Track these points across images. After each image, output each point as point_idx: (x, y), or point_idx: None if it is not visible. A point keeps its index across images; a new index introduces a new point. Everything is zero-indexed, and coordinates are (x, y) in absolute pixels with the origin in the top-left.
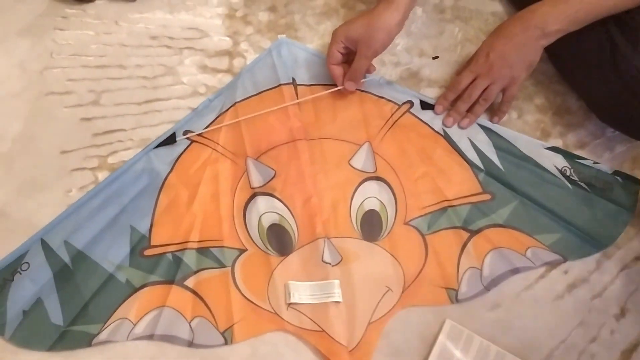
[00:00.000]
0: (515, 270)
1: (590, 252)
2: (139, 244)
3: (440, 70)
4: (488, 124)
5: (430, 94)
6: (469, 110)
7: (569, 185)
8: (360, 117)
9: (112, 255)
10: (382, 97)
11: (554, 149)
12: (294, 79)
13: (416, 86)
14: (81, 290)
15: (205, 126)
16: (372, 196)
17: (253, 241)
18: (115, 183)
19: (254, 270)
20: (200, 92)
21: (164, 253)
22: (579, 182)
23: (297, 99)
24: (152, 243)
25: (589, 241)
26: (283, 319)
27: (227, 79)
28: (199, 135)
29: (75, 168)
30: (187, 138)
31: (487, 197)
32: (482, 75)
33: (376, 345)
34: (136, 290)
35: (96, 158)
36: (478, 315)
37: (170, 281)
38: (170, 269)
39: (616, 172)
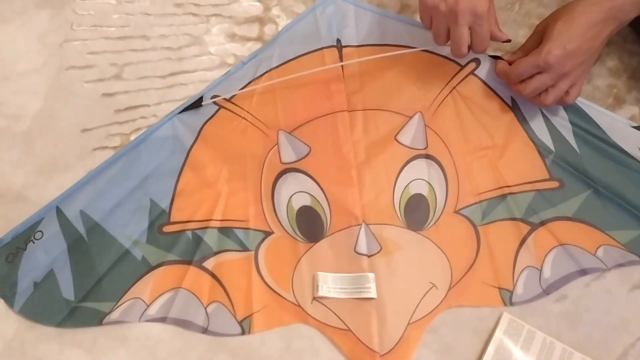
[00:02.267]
0: (582, 272)
1: None
2: (158, 220)
3: None
4: None
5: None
6: None
7: None
8: (412, 81)
9: (130, 230)
10: (441, 56)
11: None
12: (339, 40)
13: None
14: (95, 265)
15: (235, 92)
16: (419, 178)
17: (280, 224)
18: (136, 151)
19: (279, 257)
20: (229, 63)
21: (184, 230)
22: None
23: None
24: (172, 219)
25: None
26: (307, 312)
27: (257, 47)
28: (228, 101)
29: (97, 147)
30: (215, 103)
31: (554, 184)
32: (550, 71)
33: (415, 349)
34: (152, 268)
35: (118, 136)
36: (541, 308)
37: (188, 261)
38: (189, 248)
39: None
